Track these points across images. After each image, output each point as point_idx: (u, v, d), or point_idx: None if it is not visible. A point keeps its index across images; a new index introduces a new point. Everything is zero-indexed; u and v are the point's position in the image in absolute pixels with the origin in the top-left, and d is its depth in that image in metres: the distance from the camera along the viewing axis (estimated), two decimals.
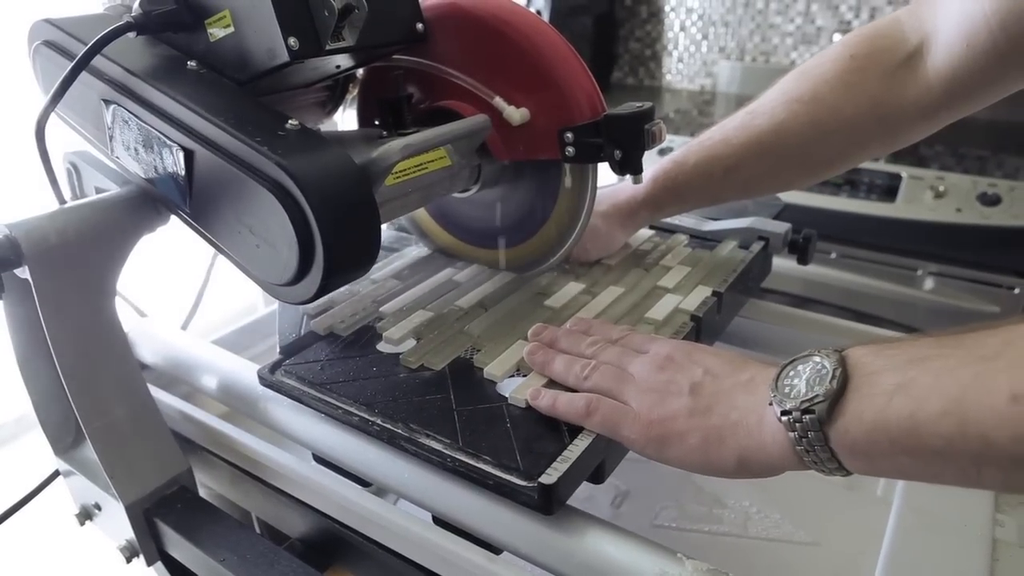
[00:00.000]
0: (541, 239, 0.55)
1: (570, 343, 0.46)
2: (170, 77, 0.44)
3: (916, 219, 1.00)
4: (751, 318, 0.63)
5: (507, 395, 0.43)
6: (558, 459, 0.38)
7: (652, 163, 0.55)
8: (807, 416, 0.31)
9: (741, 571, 0.38)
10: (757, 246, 0.63)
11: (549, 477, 0.36)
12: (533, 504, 0.37)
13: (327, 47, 0.42)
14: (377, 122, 0.51)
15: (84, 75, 0.44)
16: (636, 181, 0.49)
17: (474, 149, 0.51)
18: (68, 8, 0.51)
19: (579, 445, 0.39)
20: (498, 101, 0.48)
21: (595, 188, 0.51)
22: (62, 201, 0.48)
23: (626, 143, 0.46)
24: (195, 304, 0.70)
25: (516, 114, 0.48)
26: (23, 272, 0.44)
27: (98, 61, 0.45)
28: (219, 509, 0.49)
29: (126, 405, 0.49)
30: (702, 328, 0.51)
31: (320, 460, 0.48)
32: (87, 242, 0.46)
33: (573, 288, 0.56)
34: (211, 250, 0.49)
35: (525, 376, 0.45)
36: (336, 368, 0.47)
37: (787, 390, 0.33)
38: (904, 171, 1.04)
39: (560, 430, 0.40)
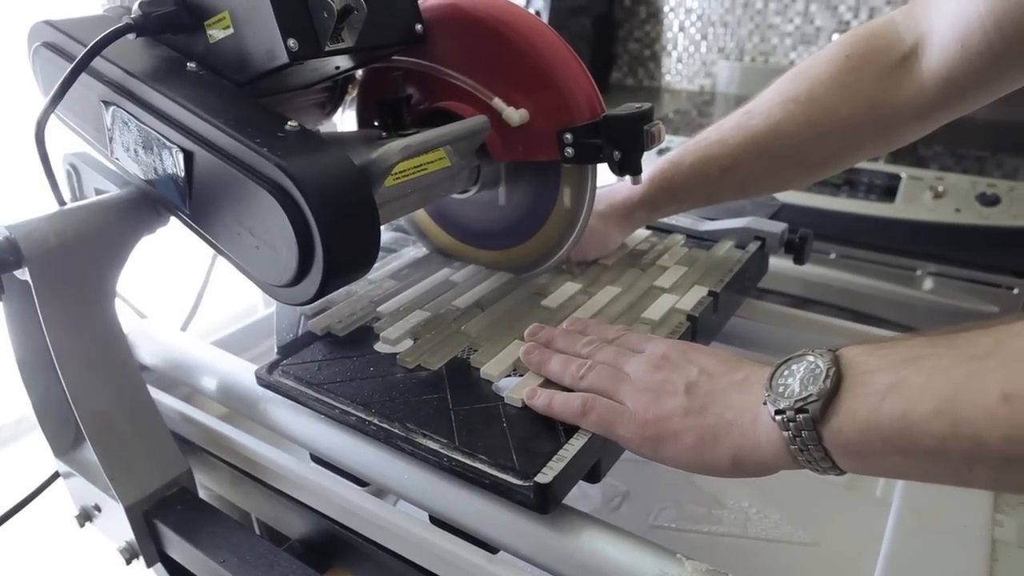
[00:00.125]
0: (540, 240, 0.55)
1: (566, 343, 0.46)
2: (170, 78, 0.44)
3: (915, 219, 1.00)
4: (749, 318, 0.63)
5: (503, 395, 0.43)
6: (554, 458, 0.38)
7: (649, 163, 0.56)
8: (801, 415, 0.31)
9: (740, 572, 0.38)
10: (753, 246, 0.63)
11: (545, 476, 0.37)
12: (529, 503, 0.37)
13: (326, 48, 0.43)
14: (376, 123, 0.52)
15: (84, 76, 0.44)
16: (635, 182, 0.49)
17: (473, 150, 0.51)
18: (68, 9, 0.51)
19: (575, 444, 0.39)
20: (497, 102, 0.48)
21: (594, 189, 0.51)
22: (62, 203, 0.48)
23: (625, 144, 0.46)
24: (195, 305, 0.70)
25: (515, 115, 0.48)
26: (23, 274, 0.44)
27: (98, 63, 0.45)
28: (219, 510, 0.50)
29: (126, 406, 0.49)
30: (698, 328, 0.51)
31: (318, 460, 0.48)
32: (87, 244, 0.46)
33: (570, 288, 0.56)
34: (211, 251, 0.49)
35: (521, 376, 0.45)
36: (333, 368, 0.47)
37: (781, 389, 0.33)
38: (903, 171, 1.04)
39: (556, 429, 0.40)
